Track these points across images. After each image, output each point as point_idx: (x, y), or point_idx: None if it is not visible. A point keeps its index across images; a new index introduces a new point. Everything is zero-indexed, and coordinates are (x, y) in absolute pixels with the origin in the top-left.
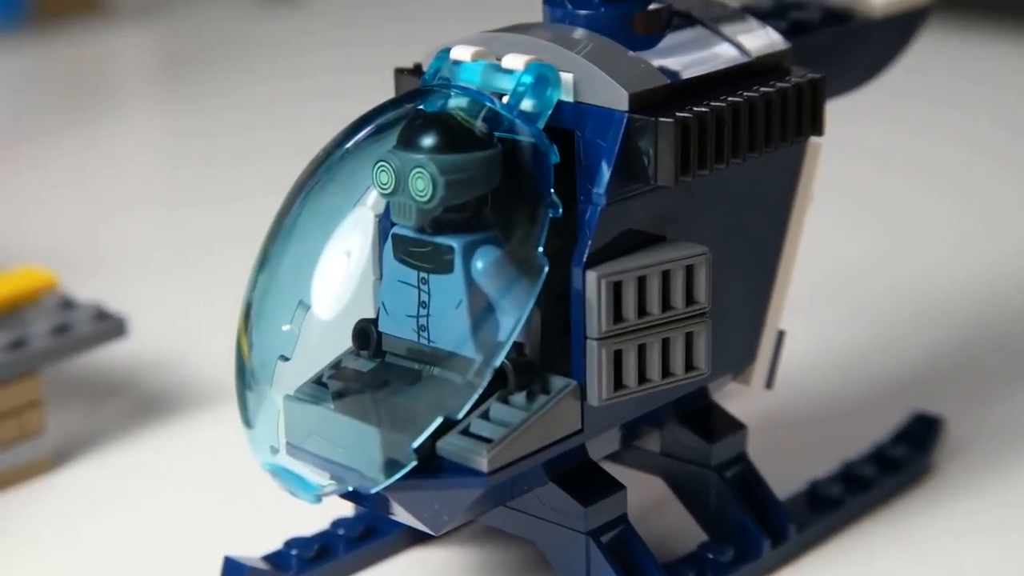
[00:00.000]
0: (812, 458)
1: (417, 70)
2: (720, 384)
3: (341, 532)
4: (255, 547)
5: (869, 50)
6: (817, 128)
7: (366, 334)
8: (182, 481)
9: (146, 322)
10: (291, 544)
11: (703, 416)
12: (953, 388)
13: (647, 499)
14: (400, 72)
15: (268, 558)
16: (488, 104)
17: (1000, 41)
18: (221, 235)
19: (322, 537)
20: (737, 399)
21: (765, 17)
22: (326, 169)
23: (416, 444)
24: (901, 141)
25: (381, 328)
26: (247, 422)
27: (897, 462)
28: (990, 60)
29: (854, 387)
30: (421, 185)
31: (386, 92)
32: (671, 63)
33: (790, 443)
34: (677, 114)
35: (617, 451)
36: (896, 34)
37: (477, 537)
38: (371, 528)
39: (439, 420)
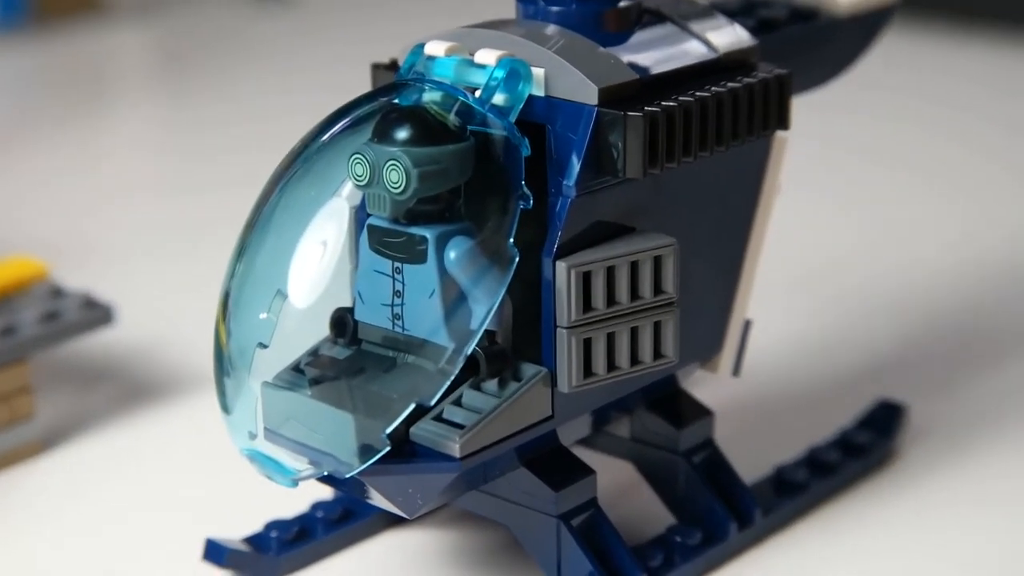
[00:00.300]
0: (778, 443)
1: (393, 65)
2: (688, 372)
3: (320, 515)
4: (237, 529)
5: (834, 47)
6: (783, 122)
7: (343, 322)
8: (166, 465)
9: (135, 310)
10: (271, 526)
11: (671, 402)
12: (917, 376)
13: (617, 483)
14: (376, 67)
15: (249, 540)
16: (461, 98)
17: (975, 41)
18: (209, 226)
19: (301, 520)
20: (705, 386)
21: (733, 15)
22: (303, 160)
23: (389, 430)
24: (877, 135)
25: (357, 316)
26: (225, 408)
27: (861, 448)
28: (966, 59)
29: (820, 374)
30: (395, 177)
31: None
32: (640, 59)
33: (757, 429)
34: (646, 108)
35: (588, 436)
36: (861, 32)
37: (452, 520)
38: (349, 511)
39: (412, 407)
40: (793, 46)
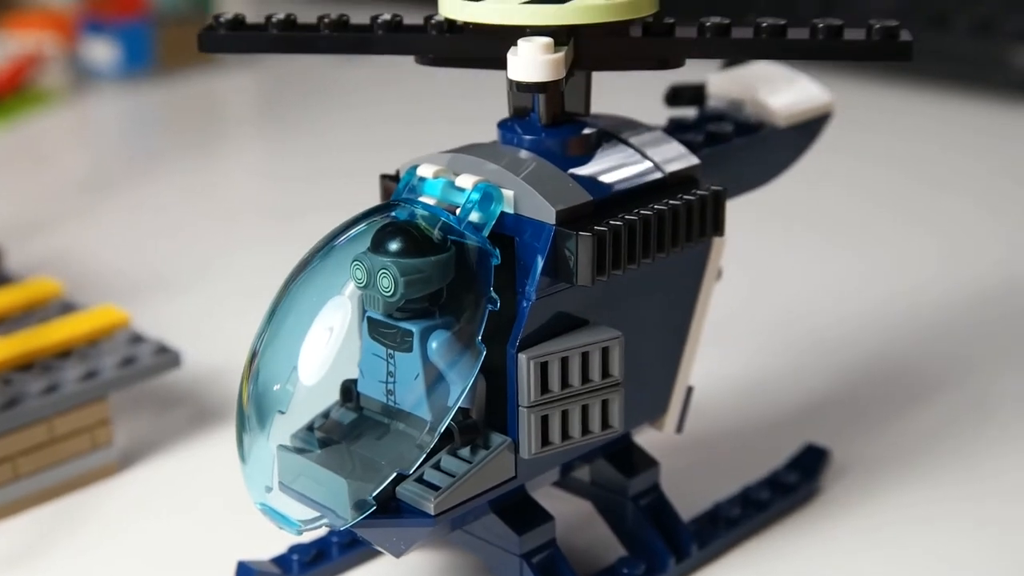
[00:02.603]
0: (717, 481)
1: (396, 177)
2: (639, 430)
3: (335, 539)
4: (268, 548)
5: (775, 153)
6: (718, 230)
7: (349, 391)
8: (216, 487)
9: (206, 338)
10: (294, 549)
11: (624, 454)
12: (841, 419)
13: (579, 516)
14: (383, 177)
15: (275, 560)
16: (443, 218)
17: (918, 98)
18: (278, 267)
19: (319, 543)
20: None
21: (688, 128)
22: (321, 256)
23: (375, 493)
24: (817, 195)
25: (360, 389)
26: (242, 457)
27: (789, 487)
28: (890, 109)
29: (756, 420)
30: (386, 283)
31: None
32: (596, 180)
33: (700, 468)
34: (595, 227)
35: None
36: (798, 139)
37: (442, 544)
38: (358, 537)
39: (394, 475)
40: (739, 154)
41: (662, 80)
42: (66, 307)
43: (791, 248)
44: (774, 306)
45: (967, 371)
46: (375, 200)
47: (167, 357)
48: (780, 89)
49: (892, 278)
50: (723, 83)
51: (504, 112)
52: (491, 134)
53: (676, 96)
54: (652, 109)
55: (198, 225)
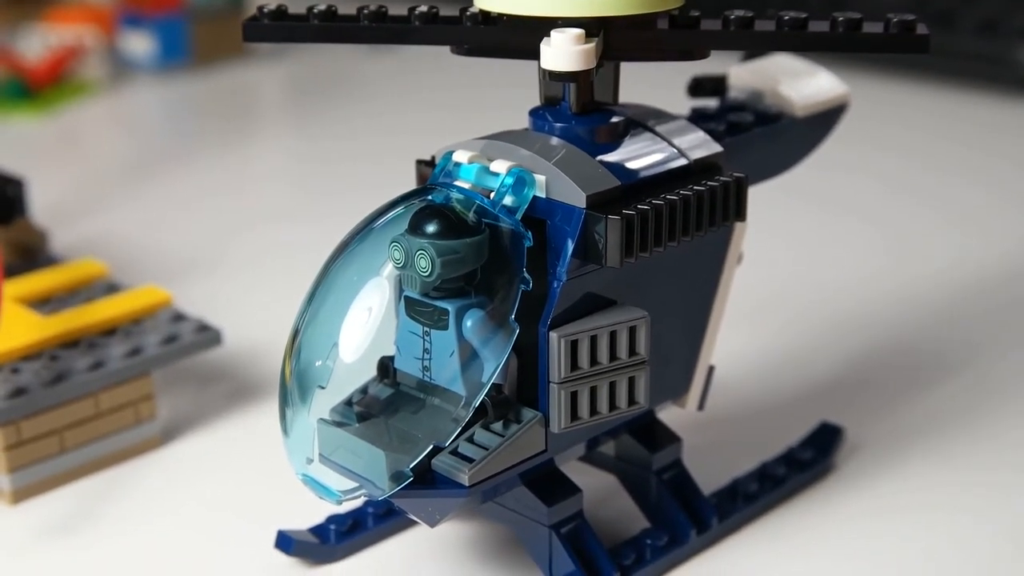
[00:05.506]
0: (736, 458)
1: (431, 162)
2: (662, 407)
3: (370, 510)
4: (305, 520)
5: (794, 142)
6: (740, 215)
7: (386, 367)
8: (255, 461)
9: (245, 319)
10: (331, 519)
11: (648, 430)
12: (855, 399)
13: (605, 489)
14: (419, 162)
15: (313, 530)
16: (478, 201)
17: (910, 89)
18: (314, 247)
19: (355, 514)
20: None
21: (710, 118)
22: (360, 239)
23: (412, 465)
24: (822, 180)
25: (396, 365)
26: (284, 431)
27: (804, 463)
28: (900, 105)
29: (773, 399)
30: (423, 263)
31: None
32: (625, 166)
33: (720, 444)
34: (624, 211)
35: (582, 455)
36: (816, 128)
37: (475, 515)
38: (393, 507)
39: (431, 447)
40: (759, 143)
41: (685, 71)
42: (111, 287)
43: (806, 232)
44: (790, 289)
45: (981, 353)
46: (404, 185)
47: (208, 335)
48: (798, 81)
49: (906, 262)
50: (743, 75)
51: (527, 102)
52: (513, 124)
53: (698, 87)
54: (675, 100)
55: (234, 209)
